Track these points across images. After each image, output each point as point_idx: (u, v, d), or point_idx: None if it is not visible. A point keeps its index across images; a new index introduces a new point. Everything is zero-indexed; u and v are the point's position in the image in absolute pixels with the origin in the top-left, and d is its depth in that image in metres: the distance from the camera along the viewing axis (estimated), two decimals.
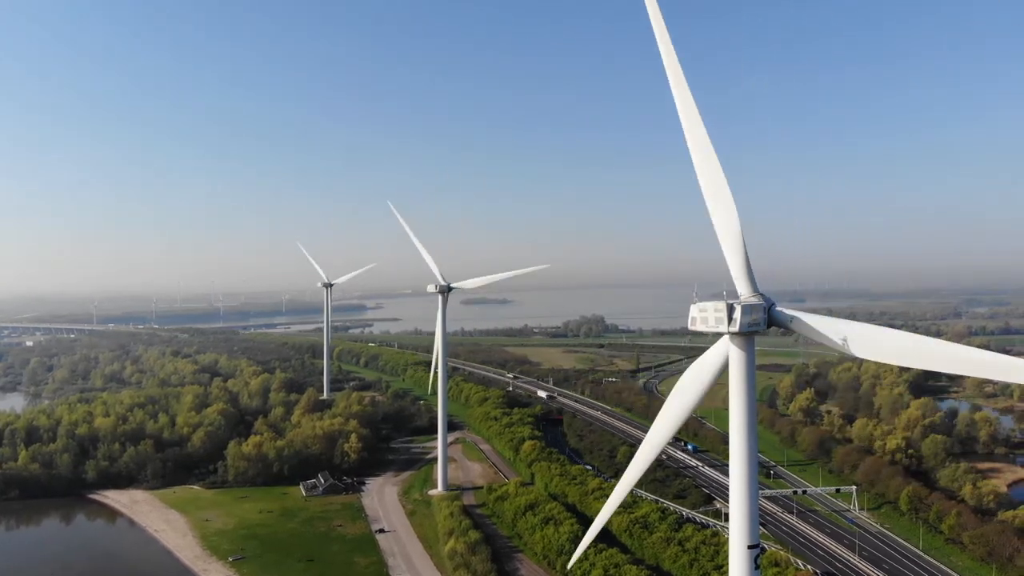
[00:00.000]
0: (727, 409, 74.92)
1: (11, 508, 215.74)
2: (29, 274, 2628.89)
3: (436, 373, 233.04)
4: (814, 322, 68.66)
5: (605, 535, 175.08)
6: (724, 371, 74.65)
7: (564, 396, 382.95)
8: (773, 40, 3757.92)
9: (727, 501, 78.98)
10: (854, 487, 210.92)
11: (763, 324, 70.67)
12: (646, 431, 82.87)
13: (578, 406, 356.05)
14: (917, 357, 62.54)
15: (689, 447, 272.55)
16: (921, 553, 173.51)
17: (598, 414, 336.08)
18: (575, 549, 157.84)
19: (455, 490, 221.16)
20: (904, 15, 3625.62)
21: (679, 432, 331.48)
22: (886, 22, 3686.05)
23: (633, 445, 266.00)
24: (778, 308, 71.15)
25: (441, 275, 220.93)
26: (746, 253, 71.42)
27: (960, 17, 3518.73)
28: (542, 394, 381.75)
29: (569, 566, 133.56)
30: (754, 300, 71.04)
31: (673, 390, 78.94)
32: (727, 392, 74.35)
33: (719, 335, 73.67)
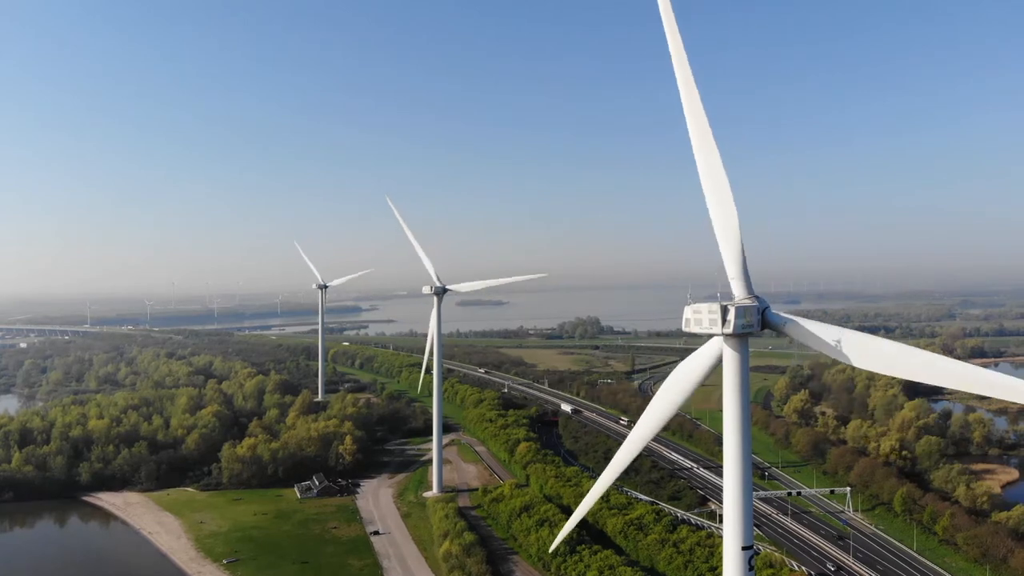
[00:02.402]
0: (722, 411, 75.09)
1: (5, 510, 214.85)
2: (23, 276, 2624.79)
3: (430, 373, 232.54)
4: (809, 327, 68.82)
5: (600, 537, 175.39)
6: (713, 371, 74.83)
7: (573, 402, 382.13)
8: (767, 43, 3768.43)
9: (722, 503, 79.09)
10: (848, 488, 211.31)
11: (757, 326, 70.87)
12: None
13: (608, 422, 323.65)
14: (911, 369, 63.02)
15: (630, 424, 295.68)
16: (915, 554, 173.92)
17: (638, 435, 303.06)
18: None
19: (450, 492, 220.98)
20: (898, 17, 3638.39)
21: (605, 405, 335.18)
22: (880, 24, 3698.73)
23: None
24: (772, 311, 71.30)
25: (437, 276, 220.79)
26: (744, 255, 71.64)
27: (955, 19, 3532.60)
28: (566, 408, 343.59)
29: (551, 549, 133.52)
30: (748, 302, 71.21)
31: (661, 387, 79.11)
32: (721, 394, 74.54)
33: (713, 336, 73.79)
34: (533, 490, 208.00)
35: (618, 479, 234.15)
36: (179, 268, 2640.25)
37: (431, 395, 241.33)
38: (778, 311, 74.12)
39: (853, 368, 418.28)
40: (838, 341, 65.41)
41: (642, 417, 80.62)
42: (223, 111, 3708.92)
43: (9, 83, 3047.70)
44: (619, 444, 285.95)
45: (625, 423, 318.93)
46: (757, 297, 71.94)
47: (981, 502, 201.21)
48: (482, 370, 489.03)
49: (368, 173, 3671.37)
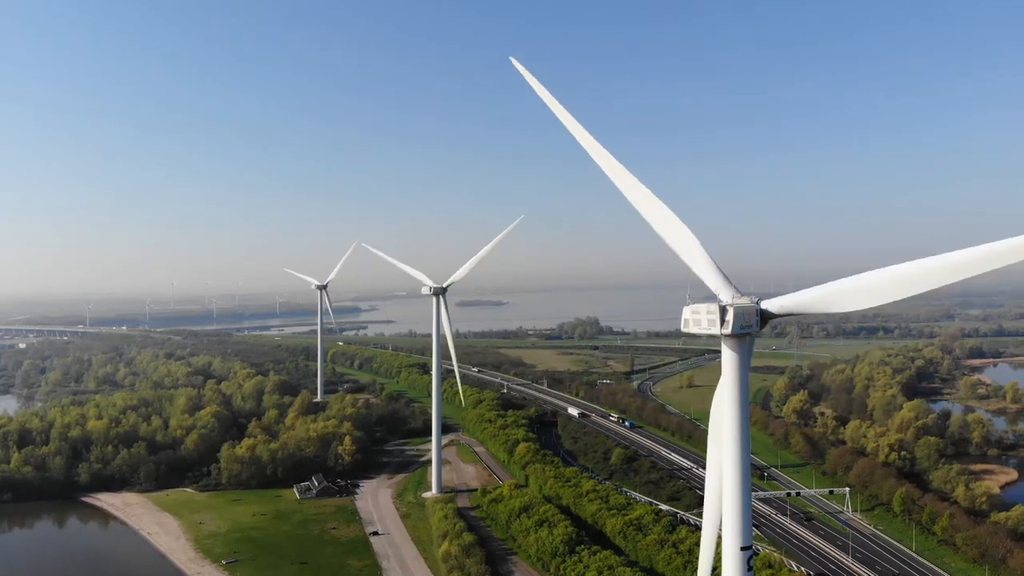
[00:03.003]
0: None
1: (3, 511, 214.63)
2: (23, 276, 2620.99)
3: (452, 374, 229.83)
4: (802, 297, 68.77)
5: (599, 537, 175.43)
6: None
7: (565, 402, 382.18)
8: (767, 43, 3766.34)
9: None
10: (847, 489, 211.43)
11: (756, 326, 70.72)
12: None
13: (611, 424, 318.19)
14: (913, 283, 60.33)
15: (627, 423, 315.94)
16: (914, 554, 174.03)
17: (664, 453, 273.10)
18: (570, 552, 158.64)
19: (449, 492, 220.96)
20: (898, 17, 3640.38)
21: (613, 409, 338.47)
22: (880, 24, 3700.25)
23: (628, 447, 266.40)
24: (764, 304, 71.45)
25: (431, 279, 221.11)
26: (716, 264, 72.83)
27: (955, 19, 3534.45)
28: (573, 411, 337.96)
29: None
30: (747, 302, 71.15)
31: (717, 416, 76.83)
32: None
33: (712, 337, 73.65)
34: (532, 490, 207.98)
35: (617, 479, 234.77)
36: (179, 268, 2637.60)
37: (430, 395, 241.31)
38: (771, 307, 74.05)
39: (852, 368, 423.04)
40: (837, 294, 65.10)
41: (718, 446, 77.77)
42: (223, 111, 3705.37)
43: (9, 83, 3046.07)
44: (619, 445, 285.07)
45: (615, 419, 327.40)
46: (743, 294, 72.33)
47: (980, 502, 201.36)
48: (475, 369, 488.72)
49: (368, 173, 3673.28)
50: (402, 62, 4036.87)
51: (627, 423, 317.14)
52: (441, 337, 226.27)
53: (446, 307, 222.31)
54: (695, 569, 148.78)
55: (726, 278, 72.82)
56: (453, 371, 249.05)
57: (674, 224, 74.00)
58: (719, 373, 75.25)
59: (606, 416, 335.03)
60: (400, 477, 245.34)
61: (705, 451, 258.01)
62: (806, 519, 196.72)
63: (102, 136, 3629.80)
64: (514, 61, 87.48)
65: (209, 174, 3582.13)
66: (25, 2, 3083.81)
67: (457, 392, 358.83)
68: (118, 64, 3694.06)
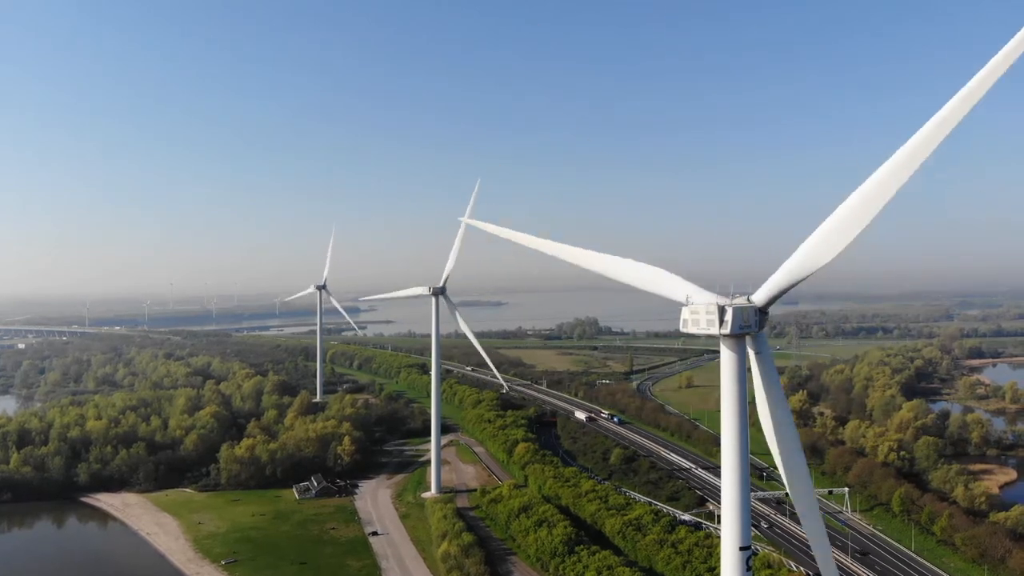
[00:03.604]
0: (720, 411, 75.11)
1: (3, 511, 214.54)
2: (22, 276, 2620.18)
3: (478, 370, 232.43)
4: (779, 276, 68.86)
5: (599, 537, 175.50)
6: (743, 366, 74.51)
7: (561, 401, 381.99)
8: (761, 43, 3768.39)
9: (720, 503, 79.20)
10: (847, 489, 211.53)
11: (755, 326, 70.83)
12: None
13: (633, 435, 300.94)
14: (865, 209, 60.76)
15: (615, 419, 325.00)
16: (913, 555, 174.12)
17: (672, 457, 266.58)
18: (569, 552, 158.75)
19: (448, 492, 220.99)
20: (897, 17, 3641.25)
21: (612, 409, 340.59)
22: (879, 24, 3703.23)
23: (627, 447, 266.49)
24: (753, 299, 71.67)
25: (431, 282, 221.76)
26: (684, 279, 75.28)
27: (951, 18, 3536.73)
28: (580, 416, 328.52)
29: None
30: (745, 302, 71.26)
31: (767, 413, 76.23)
32: (720, 395, 74.59)
33: (711, 337, 73.80)
34: (531, 491, 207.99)
35: (616, 480, 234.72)
36: (178, 268, 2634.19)
37: (429, 395, 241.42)
38: (775, 312, 74.60)
39: (851, 368, 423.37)
40: (804, 253, 65.56)
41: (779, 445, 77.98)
42: (223, 111, 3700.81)
43: (9, 83, 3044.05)
44: (618, 446, 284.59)
45: (606, 416, 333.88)
46: (746, 295, 72.75)
47: (979, 502, 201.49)
48: (468, 368, 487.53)
49: (368, 173, 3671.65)
50: (402, 62, 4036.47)
51: (616, 419, 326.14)
52: (449, 337, 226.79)
53: (449, 304, 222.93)
54: (694, 569, 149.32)
55: (702, 288, 74.01)
56: (467, 372, 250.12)
57: (635, 267, 79.60)
58: (717, 373, 75.28)
59: (598, 413, 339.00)
60: (399, 477, 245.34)
61: (704, 451, 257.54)
62: (778, 501, 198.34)
63: (102, 136, 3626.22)
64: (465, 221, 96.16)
65: (209, 174, 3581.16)
66: (25, 2, 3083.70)
67: (457, 392, 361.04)
68: (118, 64, 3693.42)
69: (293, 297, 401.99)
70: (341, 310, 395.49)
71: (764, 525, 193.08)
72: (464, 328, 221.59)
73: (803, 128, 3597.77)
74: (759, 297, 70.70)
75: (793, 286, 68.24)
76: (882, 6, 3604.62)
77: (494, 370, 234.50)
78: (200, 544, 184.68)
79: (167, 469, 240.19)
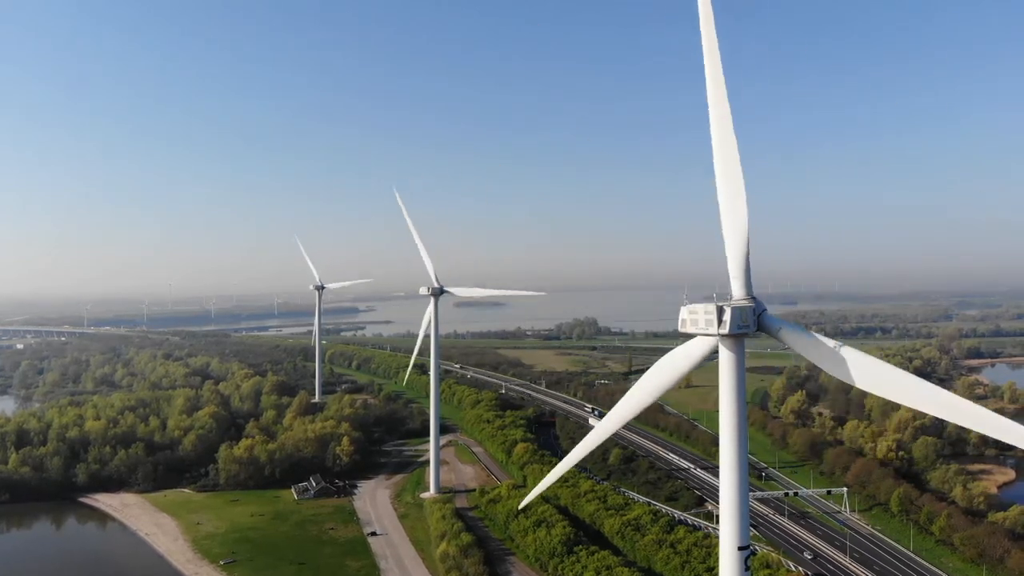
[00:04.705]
0: (718, 411, 75.23)
1: (1, 512, 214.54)
2: (21, 276, 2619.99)
3: (426, 373, 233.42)
4: (803, 338, 69.05)
5: (598, 537, 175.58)
6: (698, 367, 74.75)
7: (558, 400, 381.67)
8: (763, 42, 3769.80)
9: (718, 503, 79.35)
10: (845, 489, 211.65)
11: (753, 327, 70.98)
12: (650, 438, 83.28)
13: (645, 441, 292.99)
14: (912, 398, 62.21)
15: (596, 412, 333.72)
16: (912, 554, 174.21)
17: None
18: (568, 552, 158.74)
19: (447, 493, 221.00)
20: (895, 17, 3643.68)
21: (602, 406, 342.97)
22: (877, 24, 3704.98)
23: (626, 447, 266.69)
24: (769, 314, 71.42)
25: (436, 276, 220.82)
26: (748, 257, 71.63)
27: (952, 18, 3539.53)
28: (594, 422, 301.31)
29: (520, 506, 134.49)
30: (744, 303, 71.33)
31: (641, 378, 78.88)
32: (718, 395, 74.67)
33: (710, 337, 73.88)
34: (530, 491, 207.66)
35: (615, 480, 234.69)
36: (178, 268, 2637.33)
37: (428, 396, 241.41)
38: (775, 312, 74.48)
39: None
40: (835, 354, 65.64)
41: (618, 404, 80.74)
42: (223, 111, 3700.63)
43: (9, 83, 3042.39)
44: (617, 446, 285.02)
45: (589, 409, 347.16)
46: (754, 299, 72.05)
47: (978, 502, 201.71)
48: (458, 365, 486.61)
49: (368, 173, 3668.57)
50: (402, 62, 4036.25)
51: (596, 411, 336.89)
52: (448, 337, 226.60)
53: (435, 308, 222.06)
54: (693, 569, 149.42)
55: (747, 276, 72.10)
56: (449, 372, 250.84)
57: (740, 208, 71.36)
58: (716, 373, 75.36)
59: (581, 407, 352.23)
60: (398, 478, 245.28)
61: (703, 451, 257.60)
62: (801, 517, 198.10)
63: (102, 136, 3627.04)
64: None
65: (209, 174, 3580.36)
66: (25, 2, 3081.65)
67: (456, 393, 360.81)
68: (118, 64, 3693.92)
69: (337, 286, 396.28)
70: (317, 312, 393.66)
71: (762, 525, 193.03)
72: (431, 328, 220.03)
73: (803, 128, 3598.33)
74: (773, 311, 71.18)
75: (799, 352, 70.25)
76: (882, 6, 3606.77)
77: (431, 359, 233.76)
78: (199, 544, 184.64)
79: (166, 469, 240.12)
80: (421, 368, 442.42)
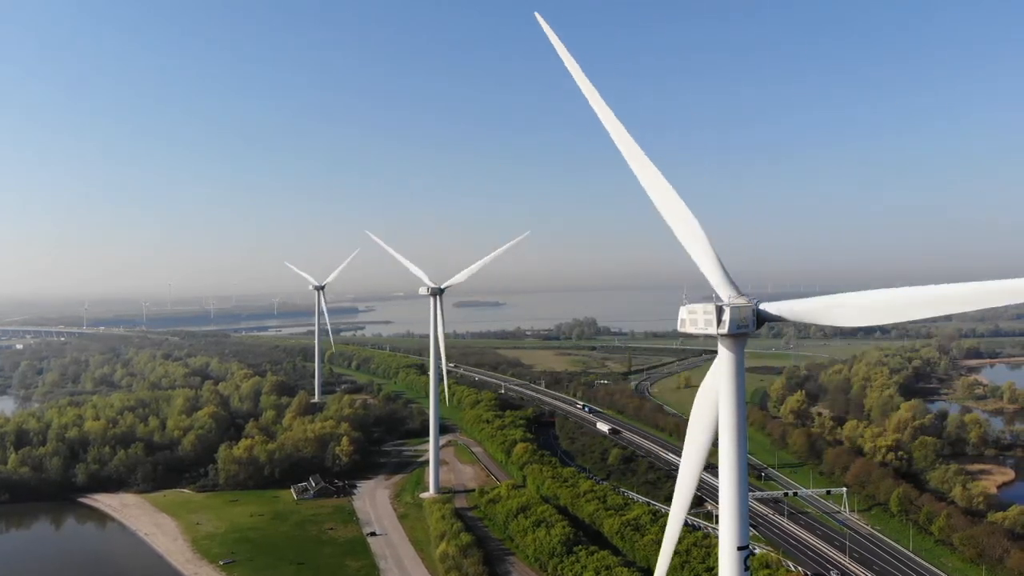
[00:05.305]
0: (717, 412, 75.06)
1: (0, 512, 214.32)
2: (21, 276, 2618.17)
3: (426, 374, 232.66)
4: (800, 306, 69.14)
5: (597, 537, 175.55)
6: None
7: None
8: (763, 42, 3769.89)
9: (718, 503, 79.30)
10: (844, 489, 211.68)
11: (753, 326, 70.88)
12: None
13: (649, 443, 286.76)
14: (914, 309, 60.38)
15: (585, 408, 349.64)
16: (911, 554, 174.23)
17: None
18: (567, 552, 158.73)
19: (447, 493, 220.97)
20: (892, 17, 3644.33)
21: (602, 406, 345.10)
22: (874, 23, 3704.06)
23: (625, 448, 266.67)
24: (763, 307, 71.56)
25: (430, 279, 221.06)
26: (719, 260, 72.61)
27: (952, 18, 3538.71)
28: (603, 427, 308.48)
29: None
30: (743, 302, 71.33)
31: (696, 410, 77.12)
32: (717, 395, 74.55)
33: (709, 337, 73.85)
34: (530, 491, 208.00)
35: (615, 480, 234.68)
36: (178, 268, 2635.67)
37: (427, 396, 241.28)
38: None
39: (849, 368, 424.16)
40: (830, 304, 65.45)
41: (691, 445, 77.93)
42: (223, 111, 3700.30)
43: (9, 83, 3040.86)
44: (616, 446, 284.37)
45: (580, 406, 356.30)
46: (747, 296, 72.35)
47: (977, 502, 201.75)
48: (451, 364, 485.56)
49: (368, 173, 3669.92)
50: (402, 62, 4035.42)
51: (587, 408, 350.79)
52: (448, 337, 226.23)
53: (440, 307, 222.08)
54: (692, 569, 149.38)
55: (727, 277, 73.03)
56: (448, 372, 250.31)
57: (687, 219, 74.60)
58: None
59: (571, 404, 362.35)
60: (398, 478, 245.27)
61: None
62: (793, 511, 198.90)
63: (102, 136, 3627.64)
64: (539, 17, 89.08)
65: (209, 174, 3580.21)
66: (25, 2, 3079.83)
67: (455, 393, 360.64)
68: (118, 64, 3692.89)
69: (332, 276, 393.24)
70: (316, 313, 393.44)
71: (762, 525, 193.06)
72: (440, 333, 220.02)
73: (803, 128, 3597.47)
74: (771, 309, 70.71)
75: (805, 320, 68.98)
76: (882, 6, 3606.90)
77: (443, 364, 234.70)
78: (198, 544, 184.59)
79: (165, 469, 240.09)
80: (421, 368, 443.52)
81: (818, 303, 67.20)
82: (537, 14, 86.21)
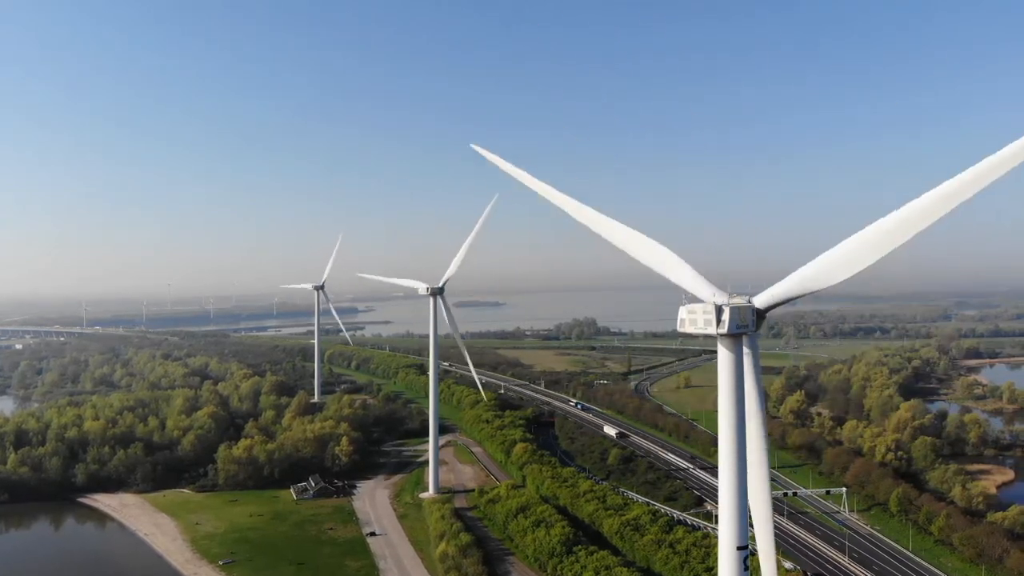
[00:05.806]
0: (717, 412, 75.15)
1: (0, 512, 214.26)
2: (21, 276, 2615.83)
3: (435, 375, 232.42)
4: (785, 285, 69.31)
5: (597, 537, 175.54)
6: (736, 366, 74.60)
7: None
8: (763, 42, 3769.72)
9: (717, 503, 79.36)
10: (844, 489, 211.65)
11: (752, 326, 70.94)
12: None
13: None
14: (890, 239, 61.19)
15: (578, 406, 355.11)
16: (911, 554, 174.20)
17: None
18: (567, 552, 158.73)
19: (446, 493, 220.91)
20: (892, 17, 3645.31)
21: (601, 406, 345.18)
22: (874, 24, 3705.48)
23: (625, 448, 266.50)
24: (754, 301, 71.86)
25: (430, 280, 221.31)
26: (690, 268, 74.54)
27: (952, 18, 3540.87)
28: (610, 431, 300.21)
29: None
30: (743, 302, 71.38)
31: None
32: (717, 395, 74.61)
33: (708, 337, 73.92)
34: (530, 491, 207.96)
35: (614, 480, 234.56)
36: (178, 269, 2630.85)
37: (427, 396, 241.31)
38: (775, 312, 74.57)
39: (849, 368, 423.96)
40: (814, 270, 66.44)
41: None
42: (222, 111, 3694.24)
43: (9, 83, 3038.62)
44: (616, 446, 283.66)
45: (573, 404, 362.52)
46: (746, 296, 72.77)
47: (977, 502, 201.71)
48: (447, 363, 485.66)
49: (368, 173, 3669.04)
50: (402, 62, 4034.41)
51: (579, 405, 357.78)
52: (448, 338, 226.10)
53: (446, 307, 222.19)
54: (692, 569, 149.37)
55: (708, 282, 73.81)
56: (464, 373, 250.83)
57: (645, 243, 77.81)
58: (715, 373, 75.27)
59: (566, 402, 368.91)
60: (397, 478, 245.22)
61: (702, 451, 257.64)
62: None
63: (102, 136, 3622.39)
64: (476, 147, 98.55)
65: (209, 174, 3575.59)
66: (25, 2, 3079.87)
67: (455, 393, 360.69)
68: (118, 64, 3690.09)
69: (327, 271, 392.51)
70: (333, 311, 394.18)
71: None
72: (456, 334, 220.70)
73: (804, 128, 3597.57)
74: (761, 300, 70.86)
75: (799, 296, 68.95)
76: (882, 6, 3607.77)
77: (474, 374, 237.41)
78: (198, 544, 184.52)
79: (165, 469, 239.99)
80: (420, 368, 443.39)
81: (804, 271, 67.82)
82: (474, 145, 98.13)
